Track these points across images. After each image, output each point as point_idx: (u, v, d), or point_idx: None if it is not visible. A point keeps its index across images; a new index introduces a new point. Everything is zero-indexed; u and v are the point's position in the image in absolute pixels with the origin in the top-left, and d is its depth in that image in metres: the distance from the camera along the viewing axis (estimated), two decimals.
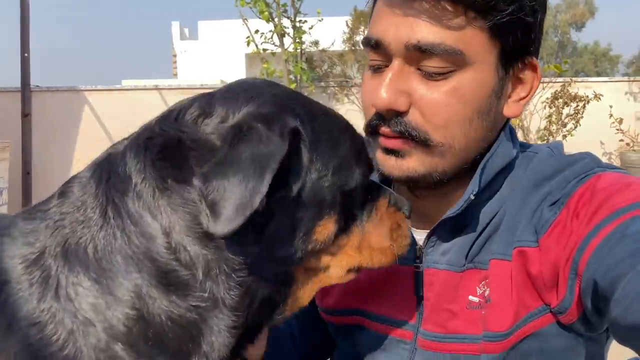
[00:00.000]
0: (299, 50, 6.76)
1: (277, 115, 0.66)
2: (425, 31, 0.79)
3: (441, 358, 0.87)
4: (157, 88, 7.07)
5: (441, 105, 0.81)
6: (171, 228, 0.65)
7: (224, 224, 0.59)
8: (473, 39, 0.79)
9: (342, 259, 0.77)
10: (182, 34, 18.22)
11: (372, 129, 0.86)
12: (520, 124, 6.74)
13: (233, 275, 0.66)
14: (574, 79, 7.00)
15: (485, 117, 0.84)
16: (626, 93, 7.03)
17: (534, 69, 0.87)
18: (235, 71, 15.32)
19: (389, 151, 0.85)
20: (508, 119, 0.91)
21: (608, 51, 27.01)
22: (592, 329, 0.81)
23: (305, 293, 0.77)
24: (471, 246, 0.88)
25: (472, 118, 0.82)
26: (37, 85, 7.01)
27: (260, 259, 0.68)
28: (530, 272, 0.83)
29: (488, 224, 0.88)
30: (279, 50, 6.75)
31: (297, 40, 6.68)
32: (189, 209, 0.65)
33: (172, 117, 0.72)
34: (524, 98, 0.88)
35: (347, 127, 0.78)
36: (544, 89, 6.66)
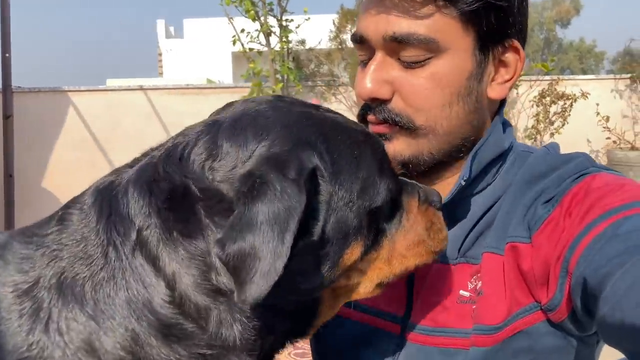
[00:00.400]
0: (285, 50, 6.70)
1: (291, 156, 0.62)
2: (399, 24, 0.83)
3: (429, 352, 0.87)
4: (142, 88, 6.97)
5: (421, 90, 0.85)
6: (176, 282, 0.62)
7: (250, 293, 0.56)
8: (445, 27, 0.83)
9: (372, 274, 0.74)
10: (168, 32, 18.09)
11: (361, 117, 0.91)
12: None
13: (248, 322, 0.64)
14: (561, 77, 7.02)
15: (467, 100, 0.87)
16: (612, 90, 7.05)
17: (516, 51, 0.89)
18: (221, 69, 15.24)
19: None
20: (501, 106, 0.95)
21: (593, 48, 27.25)
22: (582, 328, 0.81)
23: (331, 310, 0.75)
24: (464, 240, 0.89)
25: (452, 101, 0.86)
26: (19, 86, 6.89)
27: (280, 298, 0.64)
28: (522, 268, 0.83)
29: (481, 217, 0.90)
30: (266, 49, 6.69)
31: (284, 39, 6.63)
32: (195, 264, 0.63)
33: (177, 156, 0.67)
34: (508, 80, 0.91)
35: (366, 138, 0.74)
36: (531, 87, 6.68)
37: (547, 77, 6.79)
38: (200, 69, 14.98)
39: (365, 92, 0.87)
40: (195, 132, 0.69)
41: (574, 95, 6.34)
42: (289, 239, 0.57)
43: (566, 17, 25.28)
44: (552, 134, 6.39)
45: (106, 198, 0.67)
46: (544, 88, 6.55)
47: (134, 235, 0.64)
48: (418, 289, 0.90)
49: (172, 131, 7.31)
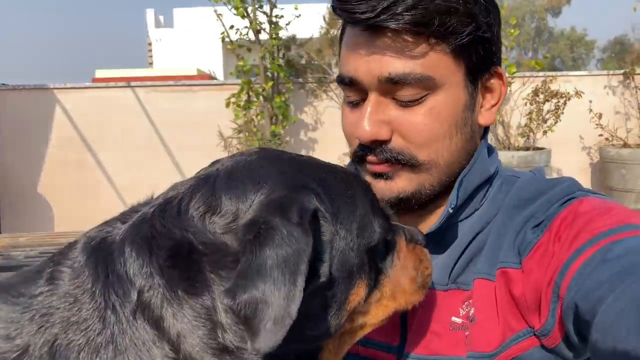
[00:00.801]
0: (275, 47, 6.59)
1: (291, 200, 0.62)
2: (394, 64, 0.83)
3: None
4: (129, 85, 6.84)
5: (421, 127, 0.85)
6: (180, 344, 0.60)
7: (265, 341, 0.55)
8: (439, 63, 0.84)
9: (377, 312, 0.75)
10: (157, 21, 17.84)
11: (359, 158, 0.91)
12: (501, 120, 6.70)
13: None
14: (554, 73, 6.96)
15: (463, 130, 0.89)
16: (605, 87, 7.00)
17: (499, 76, 0.93)
18: (212, 59, 15.07)
19: (377, 175, 0.90)
20: (486, 130, 0.97)
21: (584, 36, 27.27)
22: (577, 354, 0.81)
23: (338, 355, 0.73)
24: (454, 266, 0.90)
25: (452, 133, 0.87)
26: (3, 84, 6.77)
27: (285, 348, 0.60)
28: (513, 294, 0.83)
29: (470, 243, 0.91)
30: (256, 45, 6.59)
31: (274, 36, 6.52)
32: (201, 322, 0.60)
33: (174, 210, 0.66)
34: (494, 105, 0.94)
35: (354, 178, 0.75)
36: (524, 84, 6.61)
37: (540, 74, 6.73)
38: (190, 58, 14.81)
39: (366, 136, 0.86)
40: (188, 187, 0.69)
41: (568, 93, 6.29)
42: (300, 282, 0.56)
43: (557, 6, 25.26)
44: (544, 132, 6.35)
45: (101, 257, 0.64)
46: (538, 85, 6.49)
47: (134, 297, 0.61)
48: (412, 316, 0.90)
49: (160, 128, 7.19)
